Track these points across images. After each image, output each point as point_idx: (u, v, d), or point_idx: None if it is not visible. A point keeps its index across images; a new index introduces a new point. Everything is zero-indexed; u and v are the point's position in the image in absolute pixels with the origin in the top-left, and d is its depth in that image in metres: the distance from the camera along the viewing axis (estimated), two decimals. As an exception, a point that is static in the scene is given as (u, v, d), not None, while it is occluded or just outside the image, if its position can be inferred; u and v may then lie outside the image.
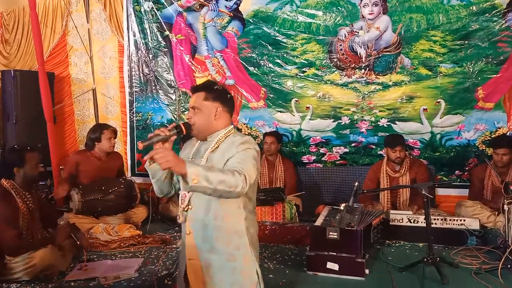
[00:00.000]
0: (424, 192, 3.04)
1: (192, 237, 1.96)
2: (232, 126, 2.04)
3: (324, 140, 5.00)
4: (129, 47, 5.42)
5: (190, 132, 1.97)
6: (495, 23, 4.36)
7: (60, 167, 4.73)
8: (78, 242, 3.16)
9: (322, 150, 5.04)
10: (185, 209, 1.95)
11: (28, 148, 3.13)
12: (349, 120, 4.88)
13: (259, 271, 1.95)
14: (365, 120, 4.85)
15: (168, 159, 1.68)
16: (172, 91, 5.35)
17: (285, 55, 4.91)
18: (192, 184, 1.67)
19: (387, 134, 4.65)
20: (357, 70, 4.78)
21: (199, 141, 2.06)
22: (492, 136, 4.50)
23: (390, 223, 3.77)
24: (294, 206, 4.26)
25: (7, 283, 2.82)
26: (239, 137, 1.96)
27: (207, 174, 1.68)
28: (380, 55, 4.70)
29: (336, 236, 3.02)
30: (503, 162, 4.01)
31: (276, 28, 4.89)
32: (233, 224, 1.93)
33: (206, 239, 1.94)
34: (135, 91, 5.46)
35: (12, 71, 5.17)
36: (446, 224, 3.68)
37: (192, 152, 2.04)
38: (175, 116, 5.36)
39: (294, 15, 4.84)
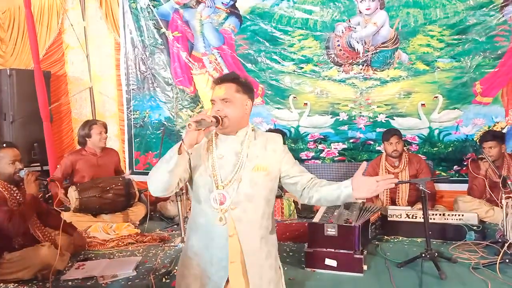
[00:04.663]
0: (422, 187, 3.04)
1: (237, 239, 1.85)
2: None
3: (322, 137, 4.99)
4: (125, 44, 5.41)
5: (219, 125, 1.82)
6: (492, 17, 4.35)
7: (58, 166, 4.71)
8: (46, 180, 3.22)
9: (320, 147, 5.03)
10: (226, 210, 1.83)
11: (4, 145, 3.06)
12: (347, 116, 4.87)
13: (281, 266, 2.04)
14: (363, 116, 4.84)
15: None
16: (169, 89, 5.33)
17: (282, 51, 4.90)
18: None
19: (385, 129, 4.64)
20: (354, 65, 4.77)
21: (209, 138, 1.91)
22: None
23: (389, 218, 3.76)
24: (293, 203, 4.25)
25: (4, 282, 2.81)
26: (263, 136, 1.97)
27: None
28: (378, 50, 4.69)
29: (334, 233, 3.01)
30: (493, 156, 4.00)
31: (273, 24, 4.88)
32: (271, 222, 1.99)
33: (252, 239, 1.88)
34: (132, 89, 5.45)
35: (8, 70, 5.14)
36: (445, 219, 3.67)
37: (211, 149, 1.89)
38: (173, 113, 5.34)
39: (291, 11, 4.82)
